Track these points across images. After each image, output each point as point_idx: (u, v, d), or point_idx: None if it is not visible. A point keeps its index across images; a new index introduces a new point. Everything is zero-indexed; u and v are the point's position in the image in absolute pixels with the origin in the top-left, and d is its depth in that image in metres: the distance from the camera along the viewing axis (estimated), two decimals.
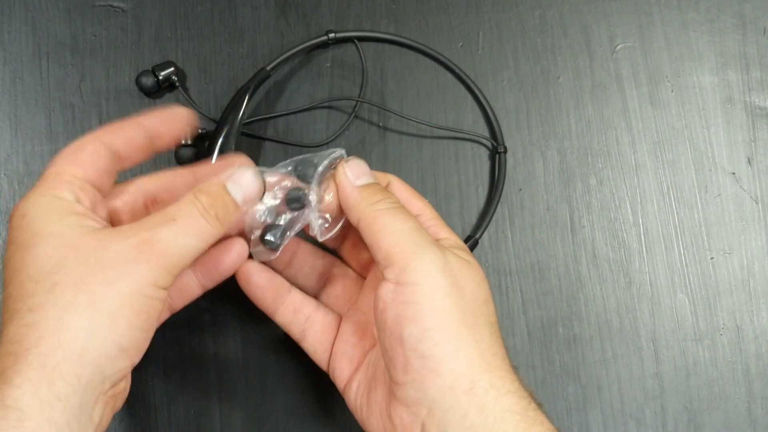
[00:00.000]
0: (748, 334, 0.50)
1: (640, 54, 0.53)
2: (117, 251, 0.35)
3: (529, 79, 0.53)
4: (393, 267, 0.37)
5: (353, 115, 0.51)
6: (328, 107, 0.52)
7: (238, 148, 0.49)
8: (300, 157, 0.42)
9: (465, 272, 0.38)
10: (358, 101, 0.51)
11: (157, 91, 0.51)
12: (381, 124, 0.52)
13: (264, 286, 0.43)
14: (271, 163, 0.51)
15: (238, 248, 0.42)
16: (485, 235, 0.50)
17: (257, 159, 0.51)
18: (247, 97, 0.49)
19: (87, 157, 0.38)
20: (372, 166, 0.51)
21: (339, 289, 0.46)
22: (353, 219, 0.40)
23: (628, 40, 0.54)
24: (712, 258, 0.51)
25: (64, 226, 0.35)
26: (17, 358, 0.32)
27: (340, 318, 0.44)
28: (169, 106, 0.41)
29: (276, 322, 0.44)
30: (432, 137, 0.52)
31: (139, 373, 0.47)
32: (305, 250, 0.46)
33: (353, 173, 0.41)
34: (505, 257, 0.50)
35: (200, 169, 0.43)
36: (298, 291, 0.44)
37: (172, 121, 0.41)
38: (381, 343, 0.38)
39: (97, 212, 0.37)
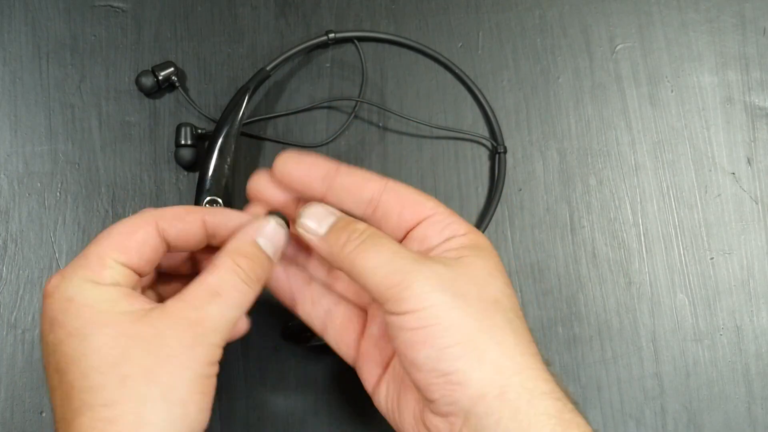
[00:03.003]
0: (747, 334, 0.50)
1: (639, 54, 0.53)
2: (174, 337, 0.36)
3: (528, 80, 0.53)
4: (389, 302, 0.36)
5: (353, 115, 0.51)
6: (328, 107, 0.52)
7: (238, 149, 0.49)
8: None
9: (462, 278, 0.37)
10: (357, 101, 0.51)
11: (157, 91, 0.51)
12: (381, 125, 0.52)
13: (280, 277, 0.42)
14: (273, 160, 0.51)
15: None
16: (485, 234, 0.50)
17: (257, 159, 0.51)
18: (246, 97, 0.49)
19: (136, 245, 0.38)
20: (371, 166, 0.51)
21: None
22: (336, 267, 0.39)
23: (628, 41, 0.54)
24: (711, 258, 0.51)
25: (117, 314, 0.36)
26: None
27: (365, 313, 0.42)
28: (240, 212, 0.41)
29: (297, 315, 0.43)
30: (432, 137, 0.52)
31: None
32: None
33: (313, 222, 0.39)
34: (504, 257, 0.50)
35: (211, 216, 0.40)
36: (318, 283, 0.43)
37: (235, 231, 0.40)
38: (402, 368, 0.37)
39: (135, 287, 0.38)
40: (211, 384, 0.37)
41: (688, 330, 0.50)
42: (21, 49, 0.52)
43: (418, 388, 0.36)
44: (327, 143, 0.51)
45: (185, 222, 0.39)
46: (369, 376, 0.41)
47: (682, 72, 0.53)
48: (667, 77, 0.53)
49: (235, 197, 0.49)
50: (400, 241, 0.41)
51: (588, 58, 0.53)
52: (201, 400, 0.36)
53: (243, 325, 0.40)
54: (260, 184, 0.42)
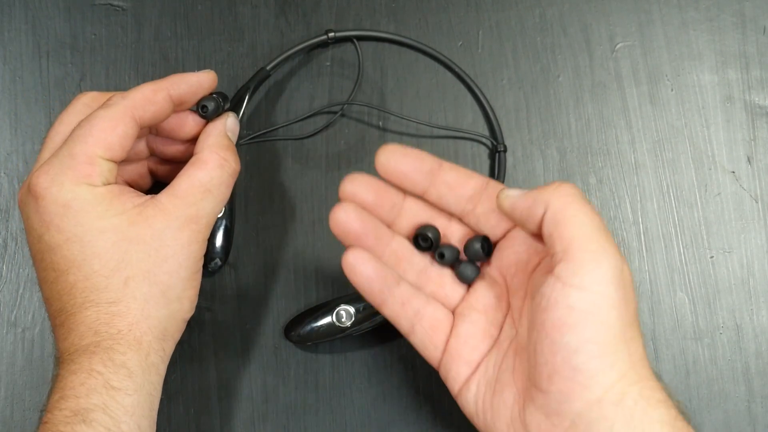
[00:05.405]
0: (747, 332, 0.50)
1: (639, 53, 0.53)
2: (172, 237, 0.39)
3: (528, 78, 0.53)
4: (568, 264, 0.35)
5: (339, 113, 0.51)
6: (327, 112, 0.52)
7: (239, 148, 0.49)
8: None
9: (632, 283, 0.36)
10: (369, 106, 0.51)
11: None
12: (381, 124, 0.52)
13: (371, 276, 0.40)
14: (272, 159, 0.51)
15: (191, 120, 0.44)
16: None
17: (258, 159, 0.51)
18: (247, 97, 0.49)
19: (119, 140, 0.40)
20: (372, 165, 0.51)
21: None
22: (538, 211, 0.37)
23: (628, 39, 0.54)
24: (711, 257, 0.51)
25: (114, 217, 0.38)
26: (112, 336, 0.38)
27: (451, 315, 0.42)
28: (194, 72, 0.43)
29: (383, 315, 0.42)
30: (432, 136, 0.52)
31: None
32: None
33: (513, 190, 0.39)
34: None
35: (174, 88, 0.42)
36: (407, 284, 0.42)
37: (199, 90, 0.43)
38: (531, 343, 0.36)
39: (118, 179, 0.42)
40: (200, 277, 0.41)
41: (688, 329, 0.50)
42: (21, 48, 0.52)
43: (539, 374, 0.36)
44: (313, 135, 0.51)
45: (156, 103, 0.41)
46: (456, 375, 0.41)
47: (682, 71, 0.53)
48: (667, 76, 0.53)
49: (237, 196, 0.49)
50: (498, 241, 0.42)
51: (588, 56, 0.53)
52: (193, 295, 0.41)
53: None
54: (355, 186, 0.41)
